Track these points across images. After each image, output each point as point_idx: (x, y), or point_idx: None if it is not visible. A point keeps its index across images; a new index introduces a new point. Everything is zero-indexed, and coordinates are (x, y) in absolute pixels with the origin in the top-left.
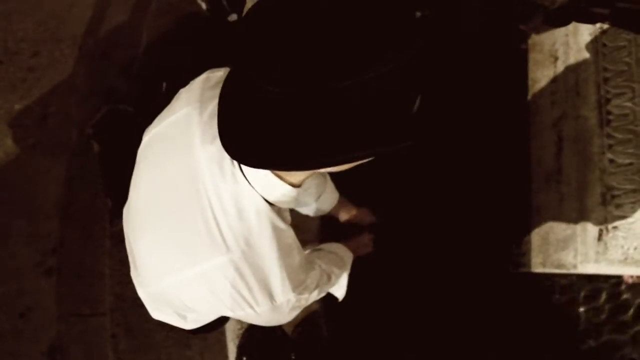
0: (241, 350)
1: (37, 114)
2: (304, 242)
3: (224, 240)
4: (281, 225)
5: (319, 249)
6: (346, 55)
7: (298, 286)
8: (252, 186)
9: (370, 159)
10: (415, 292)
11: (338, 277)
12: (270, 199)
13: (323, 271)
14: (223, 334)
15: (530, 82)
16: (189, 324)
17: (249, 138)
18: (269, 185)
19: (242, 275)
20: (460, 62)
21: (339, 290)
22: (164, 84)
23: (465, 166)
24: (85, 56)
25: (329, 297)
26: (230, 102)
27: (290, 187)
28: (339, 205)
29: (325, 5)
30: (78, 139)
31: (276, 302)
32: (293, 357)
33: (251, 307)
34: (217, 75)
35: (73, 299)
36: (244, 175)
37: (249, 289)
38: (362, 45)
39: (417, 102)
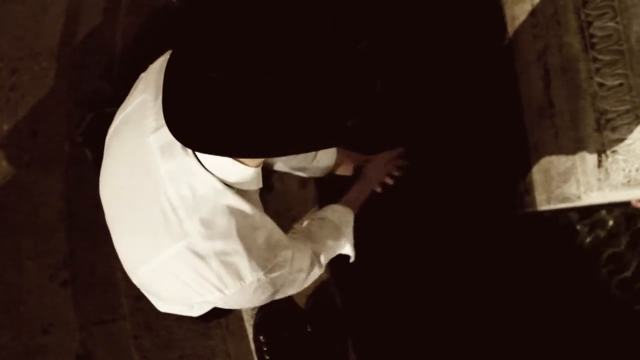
0: (257, 329)
1: (26, 131)
2: (300, 216)
3: (181, 225)
4: (240, 205)
5: (312, 219)
6: (299, 50)
7: (266, 264)
8: (206, 168)
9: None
10: (427, 250)
11: (331, 251)
12: (227, 179)
13: (309, 250)
14: (242, 319)
15: (509, 20)
16: (195, 311)
17: (199, 125)
18: (223, 166)
19: (203, 259)
20: (440, 15)
21: (348, 252)
22: None
23: (456, 116)
24: (64, 67)
25: (339, 266)
26: (177, 89)
27: (245, 167)
28: (342, 157)
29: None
30: (70, 149)
31: (245, 283)
32: (309, 329)
33: (220, 290)
34: None
35: (92, 307)
36: (197, 158)
37: (214, 272)
38: (311, 41)
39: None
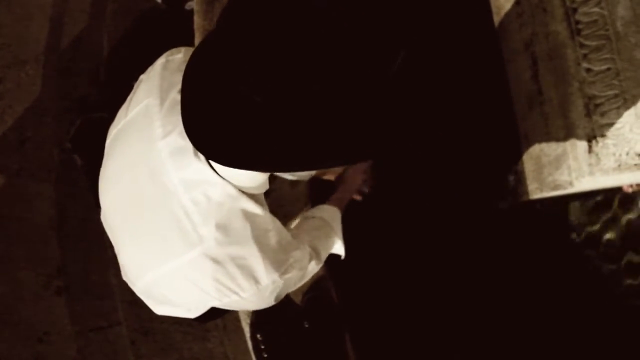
0: (254, 328)
1: (15, 140)
2: (292, 213)
3: (197, 231)
4: (254, 209)
5: (304, 218)
6: (329, 69)
7: (280, 266)
8: (218, 174)
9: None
10: (420, 244)
11: (327, 246)
12: (239, 185)
13: (308, 248)
14: (239, 319)
15: (495, 10)
16: (192, 313)
17: (220, 137)
18: (238, 174)
19: (220, 264)
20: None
21: (338, 250)
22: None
23: (445, 108)
24: (51, 73)
25: (333, 260)
26: (197, 99)
27: (260, 175)
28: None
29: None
30: (60, 156)
31: (261, 285)
32: (306, 325)
33: (236, 293)
34: (177, 58)
35: (87, 314)
36: (209, 164)
37: (230, 276)
38: (344, 60)
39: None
